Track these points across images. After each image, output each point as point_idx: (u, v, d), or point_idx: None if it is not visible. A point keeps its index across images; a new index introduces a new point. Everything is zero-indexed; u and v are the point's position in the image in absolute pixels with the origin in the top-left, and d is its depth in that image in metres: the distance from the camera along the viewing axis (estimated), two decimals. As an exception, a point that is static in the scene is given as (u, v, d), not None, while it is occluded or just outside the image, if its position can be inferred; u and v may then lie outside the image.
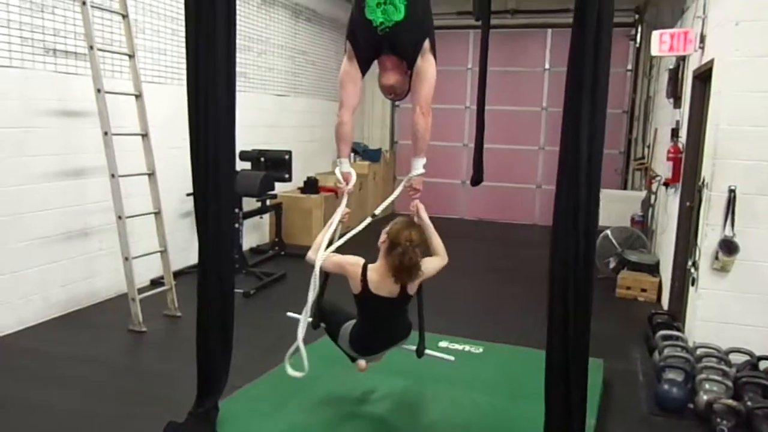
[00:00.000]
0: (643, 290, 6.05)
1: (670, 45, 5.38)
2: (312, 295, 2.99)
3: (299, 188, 8.21)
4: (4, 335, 4.51)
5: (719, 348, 4.11)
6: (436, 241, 3.13)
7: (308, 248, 3.08)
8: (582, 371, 2.66)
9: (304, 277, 2.97)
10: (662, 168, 6.24)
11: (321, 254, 3.00)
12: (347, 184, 3.17)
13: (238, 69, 3.09)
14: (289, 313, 3.28)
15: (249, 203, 6.69)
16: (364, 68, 3.08)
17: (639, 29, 9.06)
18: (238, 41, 3.03)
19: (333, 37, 9.24)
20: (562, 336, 2.63)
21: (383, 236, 3.00)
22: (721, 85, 4.25)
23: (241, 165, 6.24)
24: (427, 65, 2.98)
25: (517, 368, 4.04)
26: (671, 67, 6.14)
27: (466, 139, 10.20)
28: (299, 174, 7.75)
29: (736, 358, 4.11)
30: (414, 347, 3.21)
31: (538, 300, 5.58)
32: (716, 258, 4.24)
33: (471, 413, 3.44)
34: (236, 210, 6.04)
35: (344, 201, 3.17)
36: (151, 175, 5.03)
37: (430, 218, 3.17)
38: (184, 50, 2.96)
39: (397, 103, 9.95)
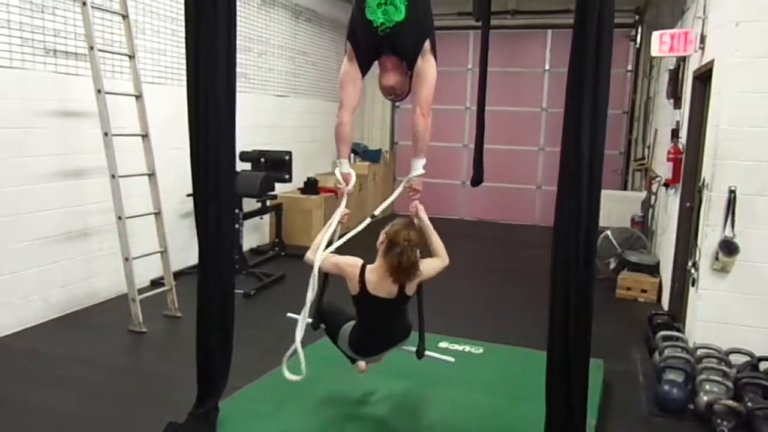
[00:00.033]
0: (644, 291, 6.05)
1: (670, 46, 5.38)
2: (310, 296, 2.98)
3: (299, 189, 8.21)
4: (3, 336, 4.51)
5: (719, 349, 4.11)
6: (437, 242, 3.13)
7: (308, 249, 3.08)
8: (583, 372, 2.67)
9: (304, 277, 2.97)
10: (662, 168, 6.24)
11: (320, 255, 3.00)
12: (347, 184, 3.17)
13: (238, 69, 3.09)
14: (289, 314, 3.28)
15: (249, 204, 6.69)
16: (364, 69, 3.08)
17: (639, 30, 9.06)
18: (238, 42, 3.03)
19: (333, 37, 9.24)
20: (564, 337, 2.63)
21: (382, 237, 3.00)
22: (722, 86, 4.25)
23: (241, 165, 6.24)
24: (427, 66, 2.98)
25: (518, 369, 4.04)
26: (671, 67, 6.14)
27: (466, 139, 10.20)
28: (299, 175, 7.75)
29: (737, 359, 4.10)
30: (414, 348, 3.20)
31: (538, 301, 5.57)
32: (716, 259, 4.24)
33: (471, 414, 3.44)
34: (236, 210, 6.04)
35: (344, 202, 3.17)
36: (151, 175, 5.03)
37: (430, 219, 3.17)
38: (184, 51, 2.96)
39: (397, 103, 9.95)
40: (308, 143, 8.74)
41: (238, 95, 3.05)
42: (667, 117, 6.56)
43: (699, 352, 4.14)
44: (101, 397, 3.71)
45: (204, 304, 3.12)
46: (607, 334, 4.59)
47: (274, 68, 7.90)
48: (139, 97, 4.97)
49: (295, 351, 2.97)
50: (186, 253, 6.10)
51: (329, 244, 3.08)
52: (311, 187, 8.17)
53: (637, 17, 8.98)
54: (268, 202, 7.12)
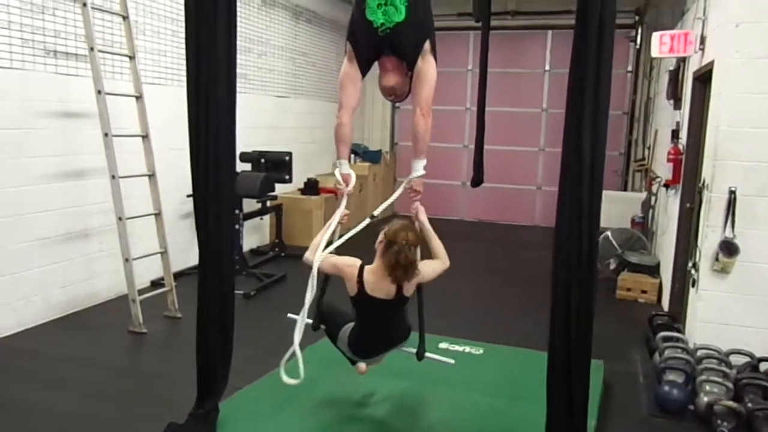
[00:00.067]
0: (644, 291, 6.05)
1: (670, 46, 5.38)
2: (309, 297, 2.98)
3: (299, 189, 8.21)
4: (3, 336, 4.51)
5: (720, 349, 4.11)
6: (437, 245, 3.13)
7: (308, 249, 3.08)
8: (584, 373, 2.67)
9: (304, 278, 2.97)
10: (662, 169, 6.24)
11: (319, 255, 3.00)
12: (347, 185, 3.17)
13: (238, 70, 3.09)
14: (290, 315, 3.28)
15: (249, 204, 6.69)
16: (364, 69, 3.08)
17: (639, 31, 9.06)
18: (238, 43, 3.03)
19: (333, 38, 9.25)
20: (565, 338, 2.63)
21: (380, 237, 3.00)
22: (722, 87, 4.25)
23: (241, 166, 6.24)
24: (427, 66, 2.98)
25: (518, 370, 4.04)
26: (671, 68, 6.14)
27: (466, 140, 10.20)
28: (299, 175, 7.76)
29: (737, 360, 4.10)
30: (414, 350, 3.20)
31: (538, 301, 5.57)
32: (716, 259, 4.24)
33: (471, 415, 3.44)
34: (236, 211, 6.05)
35: (344, 202, 3.17)
36: (152, 176, 5.03)
37: (430, 219, 3.17)
38: (184, 52, 2.96)
39: (397, 104, 9.95)
40: (308, 144, 8.75)
41: (238, 96, 3.05)
42: (667, 118, 6.56)
43: (699, 352, 4.14)
44: (101, 397, 3.71)
45: (204, 305, 3.12)
46: (607, 335, 4.58)
47: (275, 69, 7.91)
48: (139, 97, 4.97)
49: (294, 353, 2.96)
50: (186, 253, 6.10)
51: (329, 244, 3.08)
52: (311, 187, 8.17)
53: (637, 18, 8.98)
54: (269, 203, 7.12)
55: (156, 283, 5.65)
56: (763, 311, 4.21)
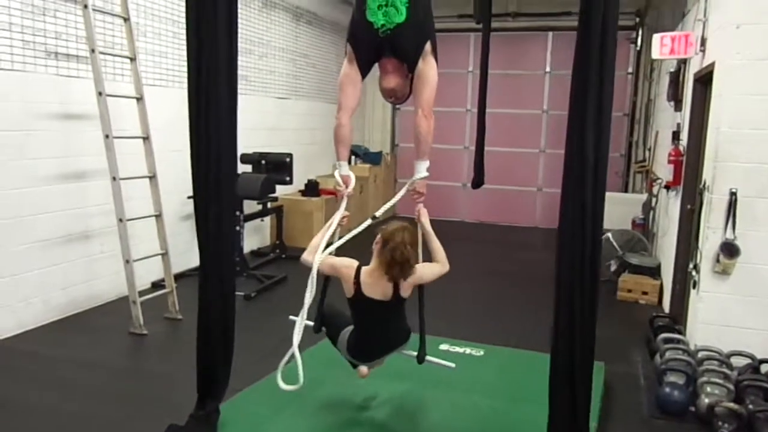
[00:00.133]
0: (644, 293, 6.05)
1: (670, 48, 5.37)
2: (309, 298, 2.97)
3: (300, 191, 8.22)
4: (4, 338, 4.51)
5: (721, 351, 4.11)
6: (437, 248, 3.13)
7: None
8: (587, 375, 2.67)
9: (305, 280, 2.96)
10: (663, 171, 6.24)
11: (319, 256, 3.00)
12: (346, 187, 3.17)
13: (239, 72, 3.09)
14: (292, 317, 3.27)
15: (250, 206, 6.69)
16: (364, 71, 3.07)
17: (640, 32, 9.06)
18: (239, 44, 3.03)
19: (334, 39, 9.25)
20: (568, 339, 2.63)
21: (377, 237, 3.00)
22: (722, 88, 4.25)
23: (242, 168, 6.24)
24: (428, 68, 2.98)
25: (518, 371, 4.03)
26: (672, 70, 6.14)
27: (467, 141, 10.20)
28: (300, 177, 7.76)
29: (738, 361, 4.10)
30: (415, 353, 3.20)
31: (538, 302, 5.57)
32: (717, 261, 4.23)
33: (472, 417, 3.44)
34: (237, 213, 6.05)
35: (343, 204, 3.17)
36: (152, 177, 5.04)
37: (431, 221, 3.17)
38: (185, 53, 2.96)
39: (397, 106, 9.96)
40: (309, 145, 8.75)
41: (239, 97, 3.05)
42: (668, 119, 6.56)
43: (700, 354, 4.13)
44: (102, 399, 3.71)
45: (205, 306, 3.12)
46: (608, 337, 4.56)
47: (275, 70, 7.91)
48: (140, 99, 4.98)
49: (293, 356, 2.94)
50: (187, 255, 6.10)
51: (329, 245, 3.08)
52: (312, 189, 8.17)
53: (637, 20, 8.98)
54: (269, 204, 7.13)
55: (157, 285, 5.65)
56: (763, 313, 4.21)
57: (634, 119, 9.57)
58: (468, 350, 4.33)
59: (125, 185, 4.74)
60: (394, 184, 10.49)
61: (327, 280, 3.19)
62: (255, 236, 7.69)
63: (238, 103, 3.03)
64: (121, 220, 4.70)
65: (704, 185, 4.43)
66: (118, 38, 5.24)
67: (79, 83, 4.93)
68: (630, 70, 9.55)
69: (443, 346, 4.26)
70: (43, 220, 4.77)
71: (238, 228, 6.06)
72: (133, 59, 4.97)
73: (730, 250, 4.18)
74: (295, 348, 2.93)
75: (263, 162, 6.72)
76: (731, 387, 3.72)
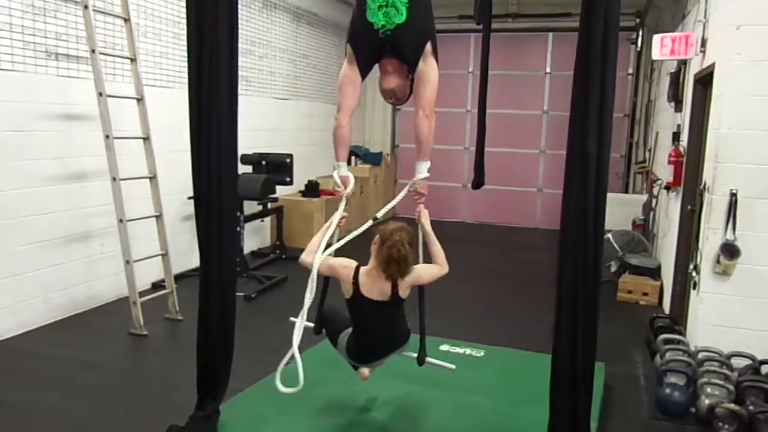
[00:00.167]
0: (645, 294, 6.04)
1: (671, 49, 5.38)
2: (308, 299, 2.97)
3: (300, 192, 8.21)
4: (4, 338, 4.51)
5: (721, 352, 4.11)
6: (437, 250, 3.13)
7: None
8: (589, 376, 2.66)
9: (305, 280, 2.97)
10: (663, 171, 6.24)
11: (318, 257, 3.00)
12: (345, 188, 3.17)
13: (239, 72, 3.09)
14: (292, 319, 3.27)
15: (250, 206, 6.69)
16: (364, 72, 3.07)
17: (640, 33, 9.06)
18: (239, 45, 3.03)
19: (334, 40, 9.25)
20: (570, 340, 2.62)
21: (375, 238, 3.01)
22: (723, 89, 4.25)
23: (242, 168, 6.23)
24: (429, 68, 2.98)
25: (519, 372, 4.04)
26: (672, 70, 6.14)
27: (467, 142, 10.20)
28: (300, 177, 7.76)
29: (738, 362, 4.09)
30: (415, 354, 3.20)
31: (539, 303, 5.58)
32: (718, 262, 4.23)
33: (473, 417, 3.44)
34: (237, 213, 6.04)
35: (342, 205, 3.17)
36: (153, 178, 5.04)
37: (431, 221, 3.17)
38: (185, 54, 2.96)
39: (397, 107, 9.96)
40: (309, 146, 8.75)
41: (239, 98, 3.05)
42: (668, 120, 6.56)
43: (700, 355, 4.13)
44: (102, 399, 3.71)
45: (205, 307, 3.12)
46: (608, 337, 4.56)
47: (276, 71, 7.91)
48: (140, 100, 4.98)
49: (293, 357, 2.93)
50: (187, 255, 6.10)
51: (328, 246, 3.08)
52: (312, 189, 8.17)
53: (637, 20, 8.98)
54: (269, 205, 7.13)
55: (157, 285, 5.65)
56: (764, 313, 4.21)
57: (634, 120, 9.58)
58: (468, 351, 4.33)
59: (125, 186, 4.74)
60: (394, 184, 10.49)
61: (327, 281, 3.19)
62: (255, 237, 7.69)
63: (238, 104, 3.03)
64: (121, 220, 4.70)
65: (704, 186, 4.43)
66: (119, 39, 5.24)
67: (80, 84, 4.94)
68: (630, 71, 9.55)
69: (443, 347, 4.26)
70: (43, 220, 4.77)
71: (238, 229, 6.06)
72: (133, 60, 4.97)
73: (730, 250, 4.18)
74: (295, 349, 2.93)
75: (263, 162, 6.72)
76: (731, 388, 3.71)
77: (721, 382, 3.73)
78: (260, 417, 3.36)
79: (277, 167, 6.73)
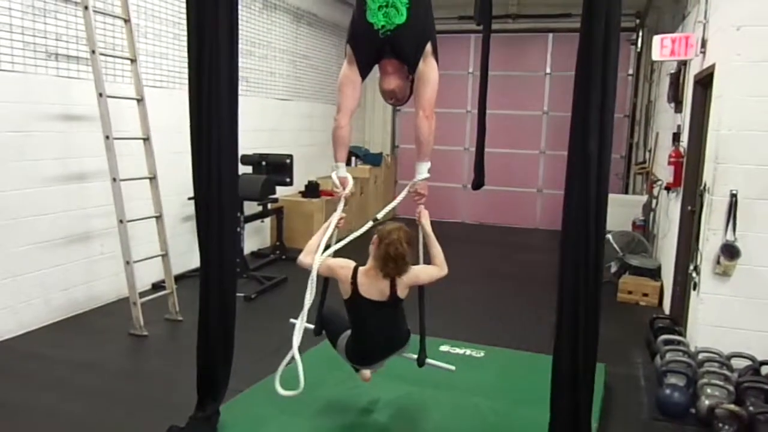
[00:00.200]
0: (645, 295, 6.04)
1: (671, 50, 5.38)
2: (309, 299, 2.97)
3: (300, 192, 8.21)
4: (5, 339, 4.50)
5: (721, 353, 4.11)
6: (436, 251, 3.12)
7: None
8: (590, 376, 2.66)
9: (305, 281, 2.97)
10: (663, 172, 6.24)
11: (318, 257, 3.00)
12: (344, 188, 3.17)
13: (239, 73, 3.09)
14: (292, 320, 3.27)
15: (250, 207, 6.69)
16: (364, 72, 3.07)
17: (640, 34, 9.06)
18: (240, 45, 3.03)
19: (334, 41, 9.26)
20: (572, 340, 2.62)
21: (374, 238, 3.01)
22: (723, 90, 4.25)
23: (242, 169, 6.22)
24: (429, 69, 2.98)
25: (519, 372, 4.04)
26: (672, 71, 6.14)
27: (467, 143, 10.20)
28: (300, 178, 7.76)
29: (738, 363, 4.09)
30: (415, 356, 3.20)
31: (538, 303, 5.58)
32: (718, 262, 4.23)
33: (473, 418, 3.44)
34: (237, 214, 6.04)
35: (341, 206, 3.17)
36: (153, 179, 5.04)
37: (432, 222, 3.17)
38: (186, 54, 2.97)
39: (398, 107, 9.96)
40: (309, 146, 8.75)
41: (239, 99, 3.05)
42: (668, 121, 6.56)
43: (700, 356, 4.13)
44: (102, 400, 3.71)
45: (205, 308, 3.12)
46: (608, 338, 4.53)
47: (276, 72, 7.91)
48: (140, 100, 4.98)
49: (293, 358, 2.93)
50: (187, 256, 6.10)
51: (327, 247, 3.08)
52: (312, 190, 8.17)
53: (638, 21, 8.98)
54: (269, 206, 7.13)
55: (157, 286, 5.65)
56: (764, 314, 4.20)
57: (634, 121, 9.57)
58: (468, 351, 4.33)
59: (125, 186, 4.74)
60: (394, 185, 10.49)
61: (327, 282, 3.19)
62: (255, 237, 7.69)
63: (238, 104, 3.03)
64: (121, 221, 4.70)
65: (704, 187, 4.43)
66: (119, 39, 5.24)
67: (80, 84, 4.94)
68: (630, 71, 9.55)
69: (444, 347, 4.26)
70: (43, 221, 4.77)
71: (238, 229, 6.06)
72: (133, 60, 4.97)
73: (730, 251, 4.18)
74: (295, 351, 2.93)
75: (263, 163, 6.73)
76: (731, 389, 3.71)
77: (721, 383, 3.73)
78: (260, 418, 3.36)
79: (277, 168, 6.74)
